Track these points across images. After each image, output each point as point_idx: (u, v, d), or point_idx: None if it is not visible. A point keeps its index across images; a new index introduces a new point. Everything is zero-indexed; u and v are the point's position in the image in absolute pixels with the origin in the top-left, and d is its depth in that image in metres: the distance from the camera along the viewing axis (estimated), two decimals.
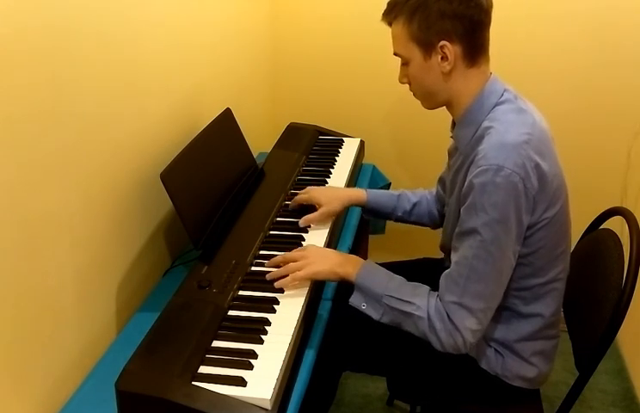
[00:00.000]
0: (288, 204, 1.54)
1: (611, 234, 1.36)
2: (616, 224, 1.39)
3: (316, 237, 1.44)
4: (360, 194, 1.57)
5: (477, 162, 1.12)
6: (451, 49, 1.17)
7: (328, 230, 1.48)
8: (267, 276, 1.26)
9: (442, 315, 1.16)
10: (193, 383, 1.01)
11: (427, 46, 1.19)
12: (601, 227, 1.44)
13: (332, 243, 1.50)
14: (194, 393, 0.99)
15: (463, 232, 1.15)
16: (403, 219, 1.59)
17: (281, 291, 1.24)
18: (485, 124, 1.18)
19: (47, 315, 1.13)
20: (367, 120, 2.27)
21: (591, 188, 2.05)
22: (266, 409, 0.99)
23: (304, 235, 1.45)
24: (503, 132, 1.13)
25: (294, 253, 1.28)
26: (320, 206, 1.48)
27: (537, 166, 1.11)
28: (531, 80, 1.87)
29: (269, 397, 0.99)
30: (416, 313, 1.17)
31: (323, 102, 2.31)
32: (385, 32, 2.16)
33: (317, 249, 1.31)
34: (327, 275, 1.26)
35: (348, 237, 1.62)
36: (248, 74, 2.14)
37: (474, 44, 1.18)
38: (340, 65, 2.26)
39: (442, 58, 1.18)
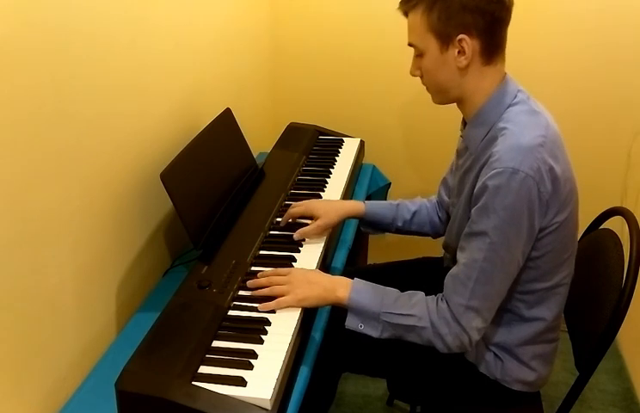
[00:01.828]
0: (289, 204, 1.52)
1: (611, 234, 1.36)
2: (616, 225, 1.39)
3: (314, 243, 1.44)
4: (357, 205, 1.53)
5: (492, 164, 1.10)
6: (469, 43, 1.14)
7: (325, 236, 1.46)
8: (252, 293, 1.23)
9: (447, 319, 1.14)
10: (193, 383, 1.01)
11: (445, 39, 1.15)
12: (601, 227, 1.44)
13: (330, 248, 1.49)
14: (194, 393, 0.99)
15: (472, 233, 1.13)
16: (403, 230, 1.55)
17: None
18: (499, 125, 1.16)
19: (47, 315, 1.13)
20: (367, 120, 2.27)
21: (591, 188, 2.05)
22: (266, 409, 0.99)
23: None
24: (518, 135, 1.11)
25: (278, 277, 1.24)
26: (317, 217, 1.44)
27: (551, 169, 1.10)
28: (530, 80, 1.86)
29: (269, 397, 0.99)
30: (419, 324, 1.16)
31: (323, 102, 2.31)
32: (386, 32, 2.16)
33: (303, 273, 1.26)
34: (315, 302, 1.22)
35: (348, 237, 1.62)
36: (248, 74, 2.14)
37: (493, 41, 1.16)
38: (340, 65, 2.26)
39: (459, 53, 1.15)
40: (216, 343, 1.11)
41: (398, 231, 1.55)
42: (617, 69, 2.02)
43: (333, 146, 1.96)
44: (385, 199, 2.14)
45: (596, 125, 2.09)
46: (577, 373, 1.27)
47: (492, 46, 1.16)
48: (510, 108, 1.17)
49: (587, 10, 1.98)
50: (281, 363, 1.06)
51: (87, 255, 1.24)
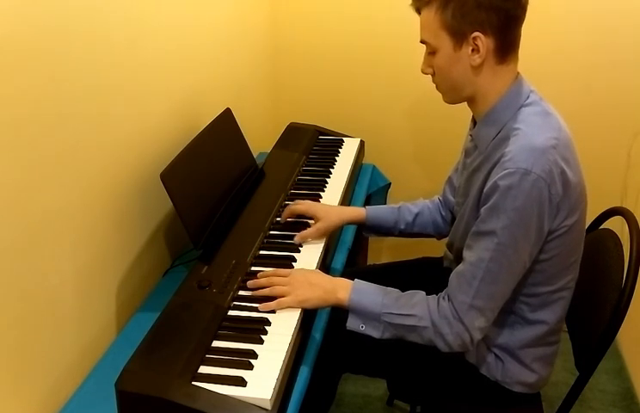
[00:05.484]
0: (288, 205, 1.52)
1: (611, 234, 1.36)
2: (616, 225, 1.39)
3: (314, 243, 1.43)
4: (358, 211, 1.51)
5: (504, 163, 1.09)
6: (483, 41, 1.12)
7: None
8: (252, 293, 1.23)
9: (448, 318, 1.14)
10: (193, 383, 1.01)
11: (459, 36, 1.14)
12: (601, 227, 1.44)
13: (330, 248, 1.49)
14: (194, 393, 0.99)
15: (480, 232, 1.13)
16: (406, 232, 1.53)
17: None
18: (511, 125, 1.15)
19: (47, 315, 1.13)
20: (367, 120, 2.27)
21: (591, 188, 2.04)
22: (266, 410, 0.99)
23: None
24: (531, 135, 1.11)
25: (279, 278, 1.23)
26: (317, 219, 1.44)
27: (562, 172, 1.09)
28: (530, 80, 1.87)
29: (269, 397, 0.99)
30: (420, 324, 1.16)
31: (323, 102, 2.31)
32: (386, 32, 2.16)
33: (304, 274, 1.26)
34: (315, 303, 1.22)
35: (348, 238, 1.62)
36: (248, 74, 2.14)
37: (507, 39, 1.15)
38: (340, 65, 2.26)
39: (473, 51, 1.14)
40: (216, 343, 1.11)
41: (401, 233, 1.54)
42: (617, 69, 2.01)
43: (333, 146, 1.96)
44: (385, 199, 2.14)
45: (596, 125, 2.09)
46: (577, 373, 1.27)
47: (506, 44, 1.15)
48: (523, 109, 1.16)
49: (586, 10, 1.98)
50: (281, 363, 1.06)
51: (87, 255, 1.24)
